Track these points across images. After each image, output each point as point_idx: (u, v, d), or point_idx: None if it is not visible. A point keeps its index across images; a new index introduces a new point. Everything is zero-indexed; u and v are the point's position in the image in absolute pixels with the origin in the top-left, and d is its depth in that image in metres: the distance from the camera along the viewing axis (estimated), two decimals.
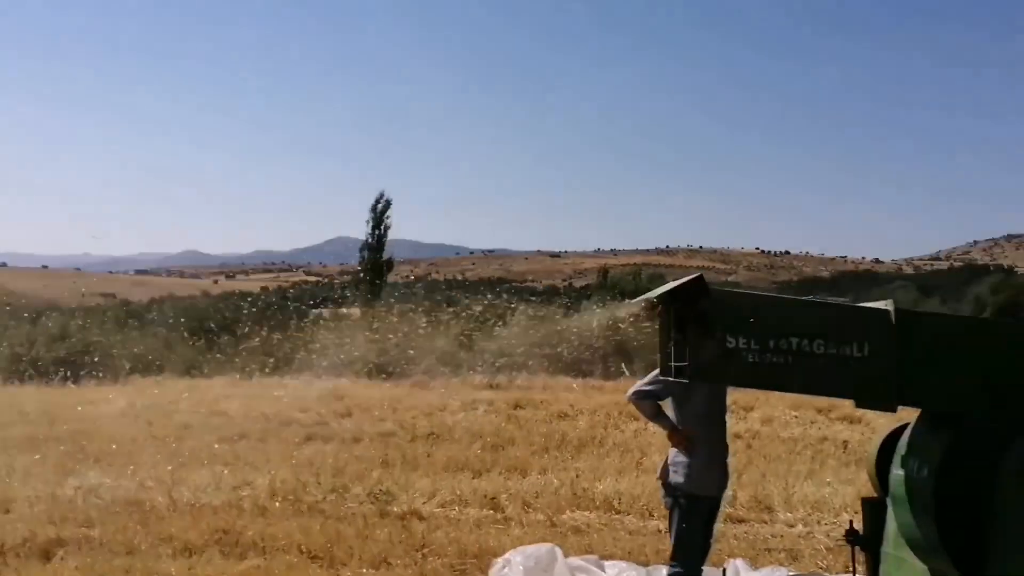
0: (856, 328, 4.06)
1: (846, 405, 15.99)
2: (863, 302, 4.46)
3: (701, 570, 5.79)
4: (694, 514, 5.70)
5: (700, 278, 4.10)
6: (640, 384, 5.86)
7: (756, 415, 18.32)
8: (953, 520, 3.96)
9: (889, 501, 4.46)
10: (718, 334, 4.03)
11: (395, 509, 9.96)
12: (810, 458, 13.64)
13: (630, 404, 5.97)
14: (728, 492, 11.01)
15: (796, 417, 18.14)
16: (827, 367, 4.04)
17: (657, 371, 4.87)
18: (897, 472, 4.31)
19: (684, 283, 4.10)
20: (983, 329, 4.20)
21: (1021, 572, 3.66)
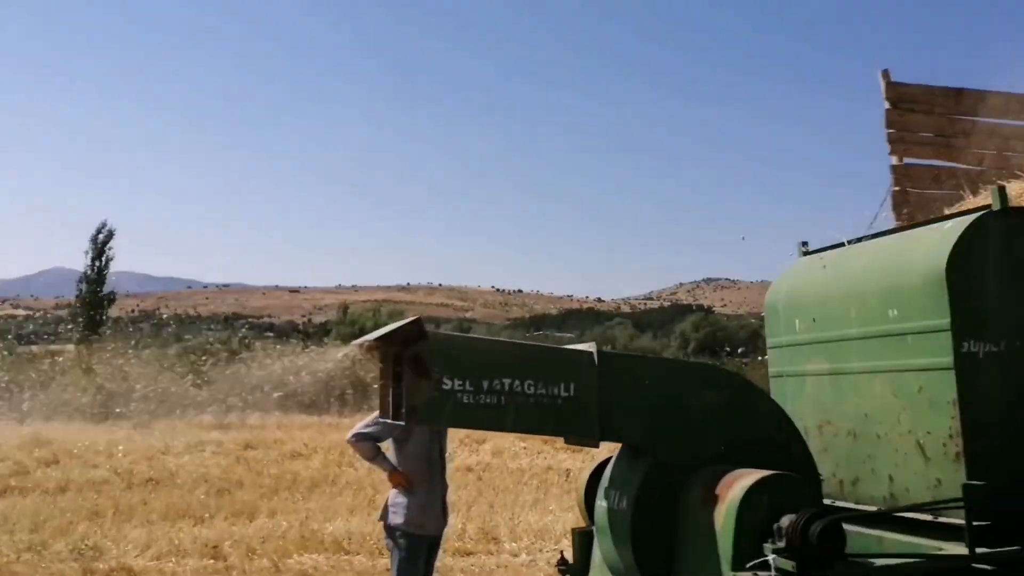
0: (564, 369, 4.29)
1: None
2: (587, 336, 4.75)
3: None
4: (414, 553, 5.73)
5: (418, 321, 4.17)
6: (360, 426, 5.85)
7: (487, 447, 18.84)
8: (649, 548, 4.28)
9: (595, 531, 4.74)
10: (434, 376, 4.10)
11: (102, 566, 9.16)
12: (536, 487, 14.24)
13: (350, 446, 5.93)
14: (458, 526, 11.21)
15: (525, 448, 18.87)
16: (537, 407, 4.23)
17: (377, 413, 4.87)
18: (601, 504, 4.59)
19: (401, 326, 4.15)
20: (672, 369, 4.60)
21: None
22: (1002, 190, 4.30)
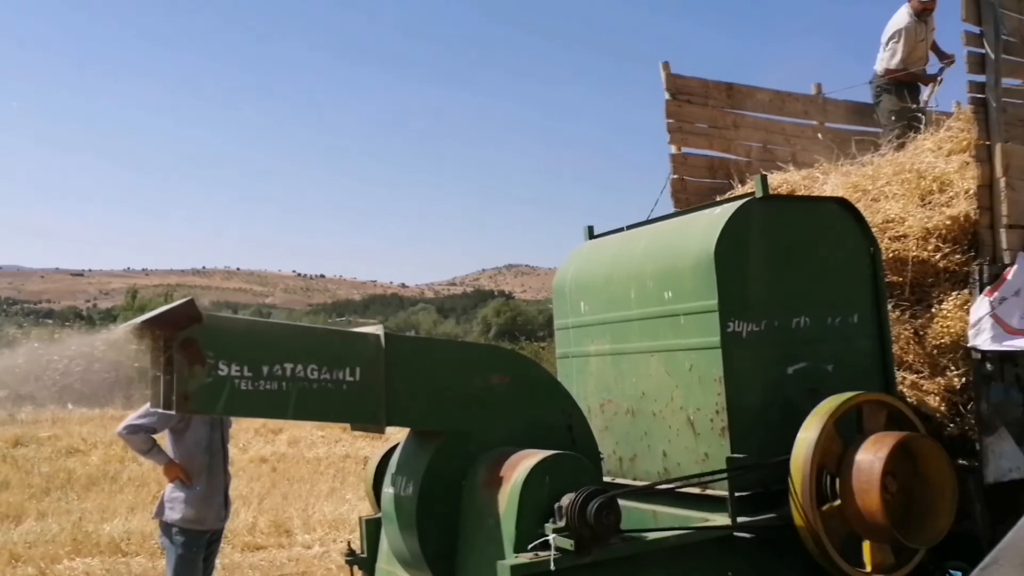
0: (349, 353, 4.16)
1: None
2: (390, 322, 4.63)
3: None
4: (192, 551, 5.41)
5: (191, 303, 3.89)
6: (132, 417, 5.43)
7: (283, 437, 18.27)
8: (435, 534, 4.24)
9: (382, 518, 4.65)
10: (208, 361, 3.85)
11: None
12: (332, 477, 13.95)
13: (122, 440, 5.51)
14: (248, 520, 10.76)
15: (322, 437, 18.45)
16: (321, 392, 4.07)
17: (149, 403, 4.53)
18: (387, 490, 4.51)
19: (172, 308, 3.86)
20: (458, 351, 4.58)
21: (479, 567, 4.01)
22: (764, 178, 4.59)
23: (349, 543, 5.22)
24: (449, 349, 4.49)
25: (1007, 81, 5.13)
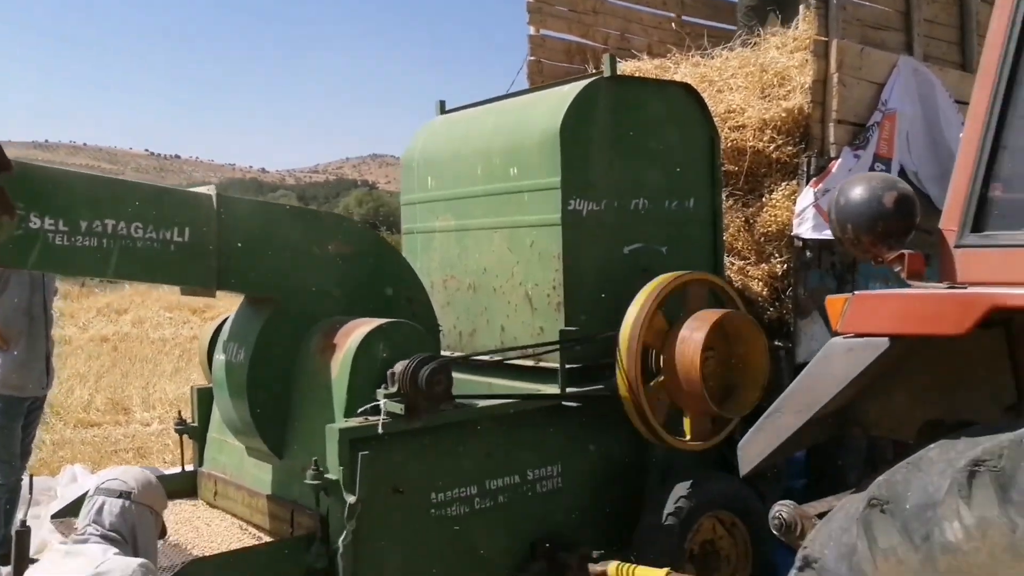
0: (178, 212, 3.96)
1: (221, 306, 16.27)
2: None
3: (21, 478, 5.30)
4: (11, 417, 5.17)
5: None
6: None
7: (128, 317, 17.59)
8: (266, 402, 4.18)
9: (213, 386, 4.55)
10: (19, 212, 3.58)
11: None
12: (178, 357, 13.56)
13: None
14: (84, 397, 10.36)
15: (170, 318, 17.86)
16: (146, 252, 3.87)
17: None
18: (219, 357, 4.40)
19: None
20: (298, 217, 4.43)
21: (308, 442, 4.01)
22: (612, 57, 4.59)
23: (180, 412, 5.10)
24: (287, 214, 4.35)
25: None
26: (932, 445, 1.95)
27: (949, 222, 2.10)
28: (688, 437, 4.48)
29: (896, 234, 2.15)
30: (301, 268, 4.25)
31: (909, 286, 2.12)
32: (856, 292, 2.09)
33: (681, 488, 4.37)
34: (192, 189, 4.27)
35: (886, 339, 2.05)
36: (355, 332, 4.03)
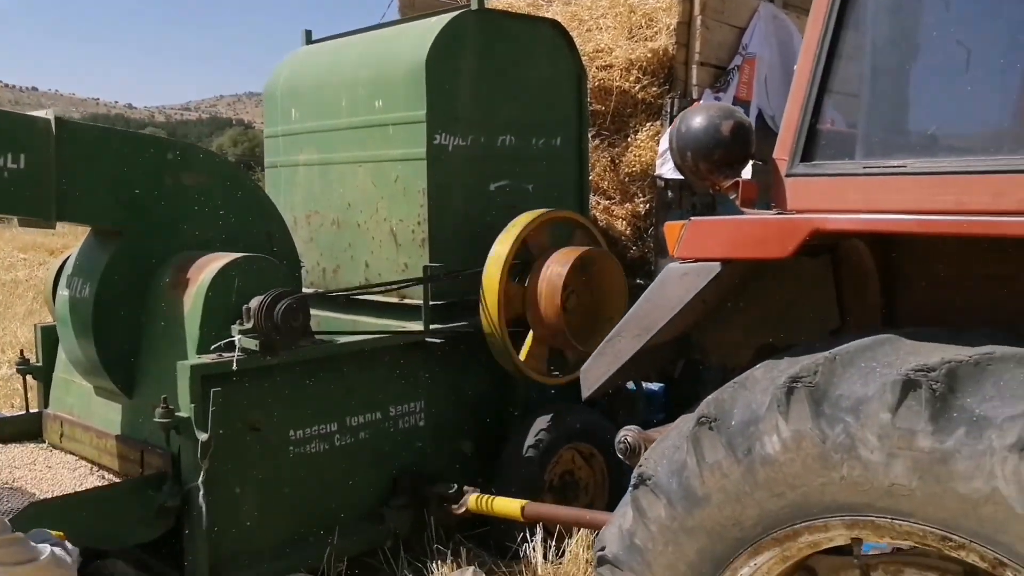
0: (11, 137, 3.69)
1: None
2: None
3: None
4: None
5: None
6: None
7: None
8: (112, 338, 4.00)
9: (57, 323, 4.32)
10: None
11: None
12: (32, 299, 12.85)
13: None
14: None
15: (24, 259, 16.91)
16: None
17: None
18: (63, 293, 4.17)
19: None
20: (148, 145, 4.19)
21: (160, 381, 3.87)
22: None
23: (22, 351, 4.83)
24: (135, 141, 4.11)
25: None
26: (758, 365, 2.04)
27: (781, 152, 2.17)
28: (524, 359, 4.53)
29: (733, 162, 2.20)
30: (149, 198, 4.04)
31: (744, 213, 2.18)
32: (692, 218, 2.15)
33: (542, 421, 4.45)
34: (26, 112, 3.98)
35: (718, 263, 2.11)
36: (209, 266, 3.89)
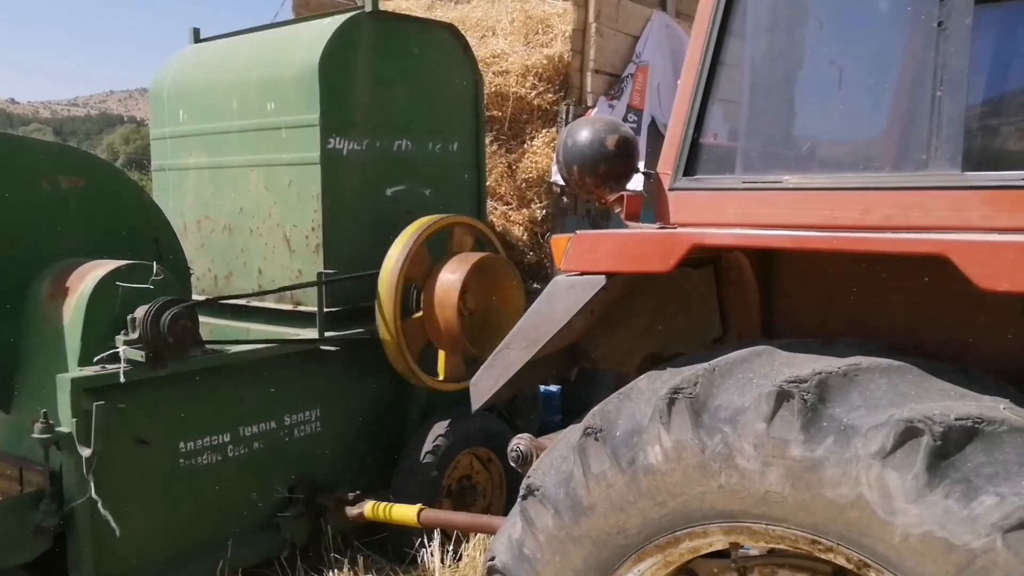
0: None
1: None
2: None
3: None
4: None
5: None
6: None
7: None
8: None
9: None
10: None
11: None
12: None
13: None
14: None
15: None
16: None
17: None
18: None
19: None
20: (20, 148, 3.96)
21: (39, 395, 3.71)
22: None
23: None
24: (7, 143, 3.91)
25: None
26: (642, 376, 2.08)
27: (665, 166, 2.22)
28: (441, 377, 4.54)
29: (617, 176, 2.24)
30: (24, 204, 3.86)
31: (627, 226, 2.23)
32: (578, 232, 2.18)
33: (439, 427, 4.45)
34: None
35: (603, 277, 2.15)
36: (90, 275, 3.74)
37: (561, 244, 2.19)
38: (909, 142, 1.98)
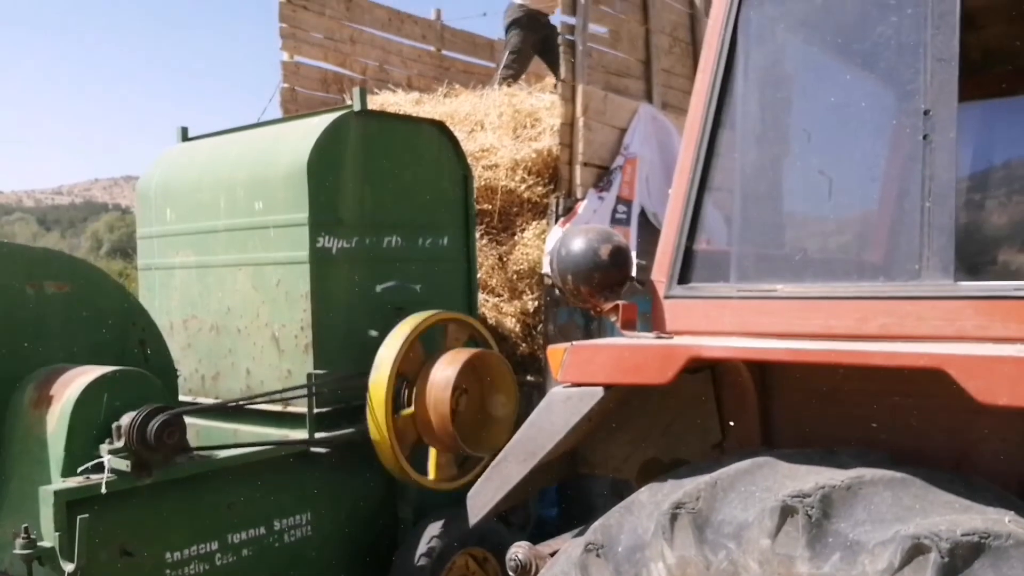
0: None
1: None
2: None
3: None
4: None
5: None
6: None
7: None
8: None
9: None
10: None
11: None
12: None
13: None
14: None
15: None
16: None
17: None
18: None
19: None
20: (5, 254, 3.97)
21: (21, 507, 3.62)
22: (362, 91, 4.53)
23: None
24: None
25: (594, 27, 5.56)
26: (643, 488, 2.04)
27: (659, 274, 2.22)
28: (432, 477, 4.46)
29: (611, 285, 2.24)
30: (10, 310, 3.82)
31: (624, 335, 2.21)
32: (573, 343, 2.16)
33: (434, 528, 4.34)
34: None
35: (601, 388, 2.12)
36: (75, 382, 3.68)
37: (557, 355, 2.17)
38: (901, 252, 1.98)
